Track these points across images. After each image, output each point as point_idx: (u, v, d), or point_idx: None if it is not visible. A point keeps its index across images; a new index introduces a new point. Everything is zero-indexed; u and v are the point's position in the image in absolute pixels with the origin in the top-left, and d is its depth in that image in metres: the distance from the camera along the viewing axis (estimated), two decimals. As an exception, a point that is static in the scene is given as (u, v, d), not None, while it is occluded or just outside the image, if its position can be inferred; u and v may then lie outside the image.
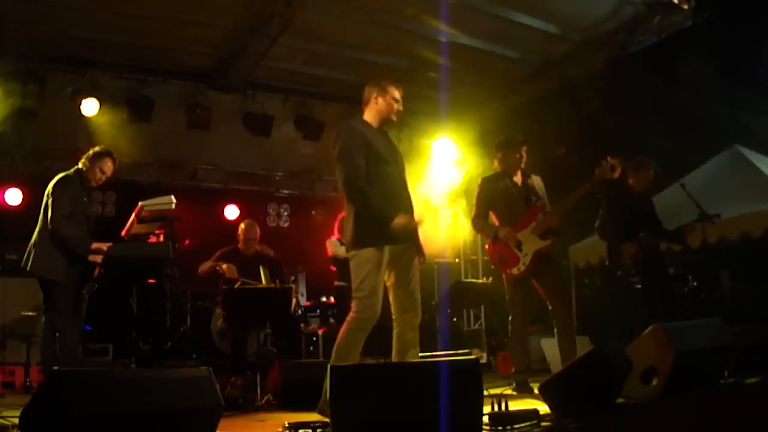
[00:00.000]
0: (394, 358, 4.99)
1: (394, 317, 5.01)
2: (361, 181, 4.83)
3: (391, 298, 5.04)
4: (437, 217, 11.01)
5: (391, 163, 5.03)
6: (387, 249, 4.83)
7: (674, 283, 7.82)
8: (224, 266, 7.75)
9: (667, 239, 7.41)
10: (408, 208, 5.03)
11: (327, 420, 4.39)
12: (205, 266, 7.95)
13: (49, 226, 5.78)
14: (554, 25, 8.94)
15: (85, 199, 6.14)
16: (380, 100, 5.08)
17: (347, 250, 5.00)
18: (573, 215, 6.43)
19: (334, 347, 4.86)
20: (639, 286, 7.00)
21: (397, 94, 5.10)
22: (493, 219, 6.60)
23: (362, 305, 4.81)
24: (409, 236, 4.95)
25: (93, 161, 6.14)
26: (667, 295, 7.06)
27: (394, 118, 5.11)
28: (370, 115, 5.13)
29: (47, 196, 5.91)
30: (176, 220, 6.58)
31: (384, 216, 4.76)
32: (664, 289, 7.07)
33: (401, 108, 5.14)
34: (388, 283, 5.00)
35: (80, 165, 6.14)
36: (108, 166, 6.23)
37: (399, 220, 4.73)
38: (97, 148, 6.24)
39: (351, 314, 4.87)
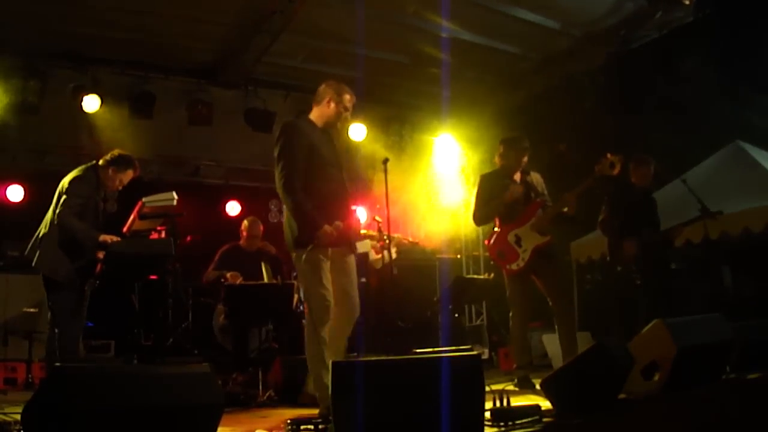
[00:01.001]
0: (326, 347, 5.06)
1: (336, 314, 5.09)
2: (296, 183, 4.90)
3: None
4: (439, 212, 11.04)
5: (333, 165, 5.13)
6: (326, 249, 4.94)
7: (676, 279, 7.82)
8: (228, 275, 7.77)
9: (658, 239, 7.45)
10: (346, 212, 5.15)
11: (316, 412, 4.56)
12: (209, 275, 7.97)
13: (56, 219, 5.77)
14: (555, 20, 8.95)
15: (98, 200, 6.09)
16: (332, 104, 5.17)
17: (289, 250, 5.08)
18: (573, 213, 6.42)
19: (306, 354, 5.00)
20: (640, 282, 7.01)
21: (349, 102, 5.20)
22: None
23: (313, 305, 4.94)
24: (343, 240, 5.06)
25: (116, 170, 6.10)
26: (668, 291, 7.07)
27: (339, 125, 5.22)
28: (316, 115, 5.23)
29: (60, 190, 5.89)
30: (178, 217, 6.58)
31: (312, 223, 4.85)
32: (666, 285, 7.08)
33: (349, 117, 5.25)
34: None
35: (100, 164, 6.09)
36: (128, 176, 6.21)
37: (326, 230, 4.83)
38: (122, 154, 6.18)
39: (307, 316, 5.01)
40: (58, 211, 5.77)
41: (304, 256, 4.91)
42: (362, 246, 8.64)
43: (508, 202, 6.42)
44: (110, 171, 6.08)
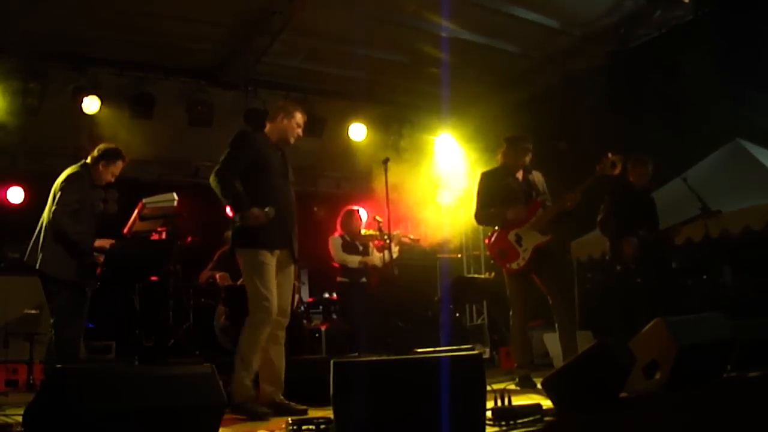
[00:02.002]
0: (261, 355, 5.28)
1: None
2: (229, 173, 5.21)
3: None
4: (439, 212, 11.03)
5: (282, 176, 5.42)
6: (272, 251, 5.20)
7: (676, 278, 7.82)
8: (218, 276, 7.79)
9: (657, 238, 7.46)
10: (292, 223, 5.40)
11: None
12: (203, 276, 7.98)
13: (50, 218, 5.74)
14: (555, 19, 8.95)
15: (94, 199, 6.07)
16: (285, 121, 5.50)
17: (234, 250, 5.32)
18: (574, 210, 6.42)
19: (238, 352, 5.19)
20: (640, 281, 7.01)
21: (301, 119, 5.53)
22: (495, 214, 6.62)
23: (253, 305, 5.13)
24: (287, 242, 5.33)
25: (106, 164, 6.08)
26: (668, 290, 7.07)
27: (291, 140, 5.52)
28: (270, 130, 5.53)
29: (55, 190, 5.87)
30: (178, 218, 6.59)
31: (238, 203, 5.17)
32: (666, 283, 7.08)
33: (301, 133, 5.56)
34: None
35: (89, 161, 6.07)
36: (119, 167, 6.21)
37: (254, 212, 5.07)
38: (108, 147, 6.17)
39: (249, 315, 5.17)
40: (53, 211, 5.73)
41: (249, 256, 5.16)
42: (373, 259, 8.69)
43: (510, 219, 6.43)
44: (100, 166, 6.06)
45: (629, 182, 7.22)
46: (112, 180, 6.22)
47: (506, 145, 6.70)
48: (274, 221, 5.11)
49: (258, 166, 5.28)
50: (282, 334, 5.38)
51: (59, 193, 5.79)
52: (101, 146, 6.17)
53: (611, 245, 7.23)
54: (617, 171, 6.31)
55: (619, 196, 7.13)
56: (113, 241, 5.90)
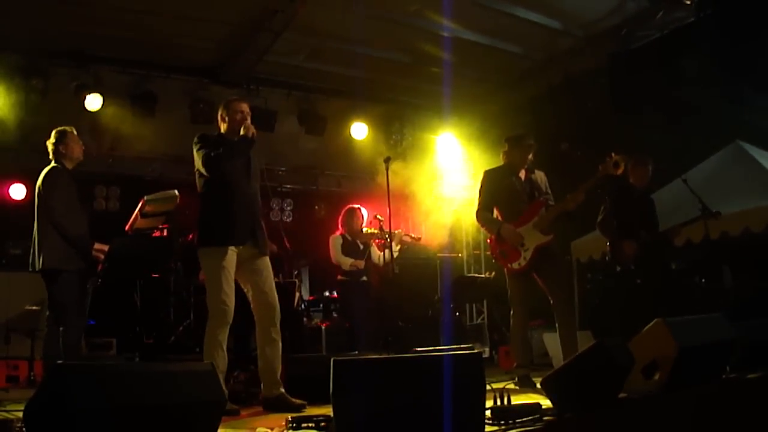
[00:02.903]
0: (259, 354, 5.38)
1: (256, 316, 5.43)
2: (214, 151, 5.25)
3: (249, 298, 5.45)
4: (440, 211, 11.03)
5: (242, 172, 5.43)
6: (232, 250, 5.22)
7: (677, 279, 7.83)
8: None
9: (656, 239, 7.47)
10: (250, 211, 5.41)
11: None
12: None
13: (51, 222, 5.79)
14: (557, 20, 8.96)
15: (74, 188, 6.10)
16: (227, 117, 5.55)
17: (197, 248, 5.37)
18: (575, 211, 6.42)
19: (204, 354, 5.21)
20: (640, 281, 7.02)
21: (238, 106, 5.55)
22: (496, 213, 6.61)
23: (212, 306, 5.18)
24: (250, 236, 5.36)
25: (65, 144, 6.10)
26: (668, 291, 7.07)
27: (242, 130, 5.38)
28: (224, 131, 5.59)
29: (38, 193, 5.91)
30: (180, 215, 6.60)
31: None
32: (666, 284, 7.09)
33: (247, 118, 5.51)
34: (244, 285, 5.41)
35: (51, 156, 6.09)
36: (75, 140, 6.19)
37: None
38: (56, 132, 6.18)
39: (209, 318, 5.21)
40: (49, 217, 5.82)
41: (208, 255, 5.21)
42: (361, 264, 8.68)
43: (502, 236, 6.44)
44: (61, 149, 6.09)
45: (629, 183, 7.22)
46: (81, 153, 6.23)
47: (508, 144, 6.70)
48: (235, 217, 5.23)
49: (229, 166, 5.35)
50: (275, 330, 5.39)
51: (45, 197, 5.87)
52: (52, 135, 6.17)
53: (611, 246, 7.23)
54: (620, 171, 6.32)
55: (620, 197, 7.14)
56: (108, 247, 5.93)
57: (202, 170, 5.31)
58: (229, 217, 5.24)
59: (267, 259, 5.48)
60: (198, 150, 5.35)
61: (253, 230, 5.38)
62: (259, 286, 5.38)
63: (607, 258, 7.45)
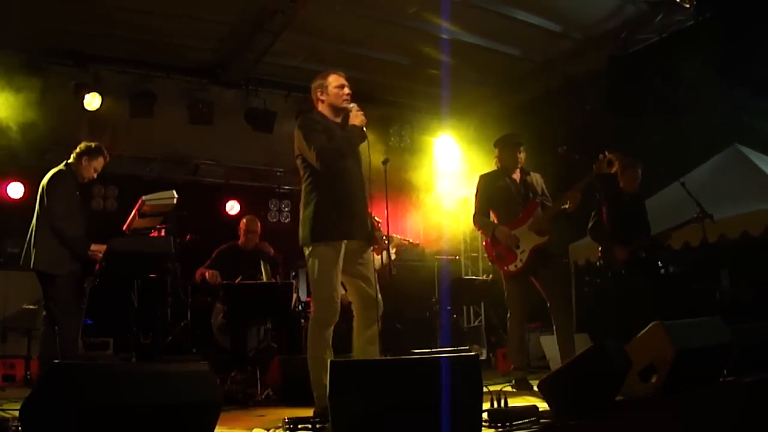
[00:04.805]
0: (354, 354, 5.04)
1: (355, 313, 5.06)
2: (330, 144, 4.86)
3: (350, 294, 5.11)
4: (438, 213, 11.04)
5: (354, 159, 5.05)
6: (343, 245, 4.86)
7: (668, 283, 7.79)
8: (207, 273, 7.78)
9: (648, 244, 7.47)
10: (363, 207, 5.05)
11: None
12: (197, 273, 7.99)
13: (49, 225, 5.81)
14: (556, 23, 8.96)
15: (78, 193, 6.15)
16: (324, 94, 5.14)
17: (300, 244, 4.98)
18: (574, 212, 6.42)
19: (308, 353, 4.89)
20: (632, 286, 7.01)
21: (335, 80, 5.12)
22: (492, 216, 6.61)
23: (321, 304, 4.85)
24: (366, 231, 5.01)
25: (88, 159, 6.16)
26: (660, 296, 7.02)
27: (344, 104, 5.04)
28: (322, 109, 5.17)
29: (42, 193, 5.95)
30: (178, 215, 6.59)
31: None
32: (657, 290, 7.04)
33: (348, 91, 5.10)
34: (346, 280, 5.02)
35: (71, 160, 6.15)
36: (100, 163, 6.26)
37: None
38: (89, 145, 6.23)
39: (311, 314, 4.93)
40: (49, 218, 5.84)
41: (314, 251, 4.84)
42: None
43: (498, 238, 6.43)
44: (83, 161, 6.13)
45: (620, 188, 7.20)
46: (95, 176, 6.31)
47: (498, 147, 6.72)
48: (352, 209, 4.90)
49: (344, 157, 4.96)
50: (375, 332, 4.98)
51: (47, 197, 5.90)
52: (82, 144, 6.24)
53: (602, 251, 7.18)
54: (614, 169, 6.33)
55: (610, 202, 7.09)
56: (105, 247, 5.93)
57: (313, 162, 4.90)
58: (346, 209, 4.87)
59: (371, 253, 5.09)
60: (307, 138, 4.92)
61: (367, 222, 5.04)
62: (368, 278, 5.01)
63: (598, 263, 7.42)
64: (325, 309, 4.83)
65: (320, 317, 4.85)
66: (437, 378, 3.28)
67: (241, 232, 8.22)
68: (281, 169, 11.59)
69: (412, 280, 10.08)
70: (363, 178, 5.12)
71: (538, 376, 4.61)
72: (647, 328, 4.63)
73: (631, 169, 7.19)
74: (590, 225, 7.27)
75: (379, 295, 5.04)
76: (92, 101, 8.85)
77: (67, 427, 2.75)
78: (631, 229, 7.02)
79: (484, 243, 6.91)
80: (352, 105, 4.99)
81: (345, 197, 4.91)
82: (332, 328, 4.86)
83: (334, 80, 5.10)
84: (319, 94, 5.16)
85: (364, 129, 4.94)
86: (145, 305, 7.51)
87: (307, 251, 4.91)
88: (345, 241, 4.85)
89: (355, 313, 5.06)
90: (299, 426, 4.17)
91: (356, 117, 4.92)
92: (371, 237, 5.08)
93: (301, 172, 5.05)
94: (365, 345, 4.96)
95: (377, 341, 4.99)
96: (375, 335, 4.97)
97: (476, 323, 11.57)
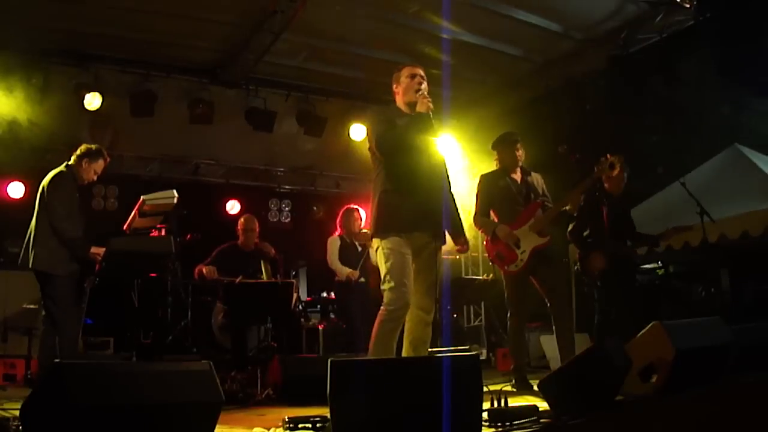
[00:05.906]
0: (404, 352, 4.92)
1: (414, 305, 4.92)
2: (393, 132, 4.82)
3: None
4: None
5: (414, 148, 4.88)
6: (411, 238, 4.81)
7: (639, 294, 7.65)
8: (204, 269, 7.78)
9: (641, 243, 7.41)
10: (432, 201, 4.89)
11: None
12: (195, 270, 8.00)
13: (51, 225, 5.83)
14: (557, 23, 8.95)
15: (77, 195, 6.17)
16: (400, 88, 5.09)
17: (371, 237, 4.94)
18: (572, 211, 6.41)
19: (371, 344, 4.80)
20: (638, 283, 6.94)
21: (409, 72, 5.05)
22: (493, 216, 6.60)
23: (392, 296, 4.75)
24: (433, 224, 4.88)
25: (89, 162, 6.20)
26: (633, 307, 6.90)
27: (419, 97, 4.88)
28: (399, 104, 5.14)
29: (42, 193, 5.97)
30: (178, 215, 6.60)
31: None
32: (628, 301, 6.87)
33: (420, 80, 5.00)
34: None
35: (72, 162, 6.19)
36: (101, 166, 6.29)
37: None
38: (90, 147, 6.28)
39: (382, 307, 4.80)
40: (50, 219, 5.87)
41: (391, 243, 4.78)
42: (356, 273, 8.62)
43: (498, 237, 6.42)
44: (84, 163, 6.18)
45: (604, 190, 6.92)
46: (95, 178, 6.35)
47: (495, 149, 6.71)
48: (423, 201, 4.80)
49: (405, 146, 4.88)
50: (427, 332, 4.98)
51: (48, 199, 5.92)
52: (83, 146, 6.29)
53: (580, 258, 7.10)
54: (616, 172, 6.31)
55: (592, 205, 6.79)
56: (104, 249, 5.94)
57: (375, 151, 4.92)
58: (409, 202, 4.81)
59: (438, 249, 4.99)
60: (372, 129, 5.02)
61: (436, 217, 4.90)
62: (424, 281, 4.95)
63: (577, 269, 7.31)
64: (398, 304, 4.75)
65: (391, 312, 4.76)
66: (437, 378, 3.28)
67: (240, 231, 8.23)
68: (281, 169, 11.62)
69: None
70: (437, 172, 4.98)
71: (538, 376, 4.61)
72: (647, 328, 4.64)
73: (615, 170, 7.03)
74: (569, 228, 7.09)
75: (435, 298, 4.98)
76: (93, 101, 8.85)
77: (67, 427, 2.75)
78: (611, 234, 6.71)
79: (485, 243, 6.89)
80: (419, 93, 4.91)
81: (408, 190, 4.85)
82: (401, 322, 4.79)
83: (406, 71, 5.08)
84: (394, 87, 5.16)
85: (430, 115, 4.82)
86: (146, 305, 7.52)
87: (375, 244, 4.92)
88: (406, 235, 4.80)
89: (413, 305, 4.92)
90: (299, 425, 4.16)
91: (422, 104, 4.83)
92: (439, 233, 4.94)
93: (372, 166, 5.05)
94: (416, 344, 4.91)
95: (427, 343, 4.96)
96: (425, 337, 4.95)
97: (476, 323, 11.58)
